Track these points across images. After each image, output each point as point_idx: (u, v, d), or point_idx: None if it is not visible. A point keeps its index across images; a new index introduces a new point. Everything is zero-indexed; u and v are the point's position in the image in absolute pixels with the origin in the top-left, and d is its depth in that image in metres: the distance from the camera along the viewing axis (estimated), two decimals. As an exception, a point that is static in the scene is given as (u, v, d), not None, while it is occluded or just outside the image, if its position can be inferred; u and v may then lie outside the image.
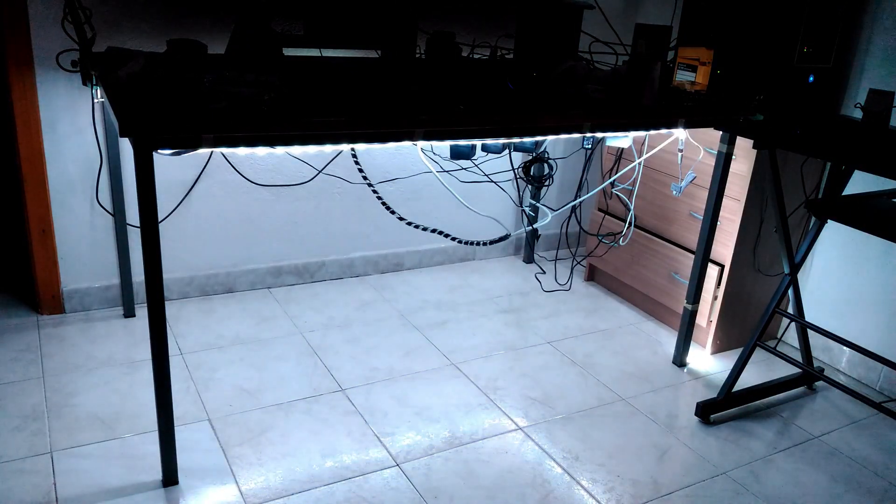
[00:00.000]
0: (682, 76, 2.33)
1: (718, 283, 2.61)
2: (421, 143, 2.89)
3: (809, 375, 2.50)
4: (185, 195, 2.65)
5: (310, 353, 2.49)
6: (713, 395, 2.38)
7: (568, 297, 3.08)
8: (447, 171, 3.08)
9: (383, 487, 1.90)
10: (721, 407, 2.32)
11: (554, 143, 3.23)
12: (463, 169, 3.10)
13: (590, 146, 2.96)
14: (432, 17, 2.82)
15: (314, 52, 2.42)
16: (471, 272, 3.25)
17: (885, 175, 1.86)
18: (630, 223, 2.95)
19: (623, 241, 2.99)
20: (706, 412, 2.30)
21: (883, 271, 2.50)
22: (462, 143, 2.72)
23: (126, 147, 2.44)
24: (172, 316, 2.65)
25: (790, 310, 2.44)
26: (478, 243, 3.32)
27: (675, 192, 2.71)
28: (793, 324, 2.62)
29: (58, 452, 1.93)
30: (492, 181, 3.20)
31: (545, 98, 2.16)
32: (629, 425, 2.24)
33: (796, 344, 2.59)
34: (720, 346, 2.72)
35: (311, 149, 2.75)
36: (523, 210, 3.35)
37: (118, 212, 2.50)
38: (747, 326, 2.73)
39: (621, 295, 3.11)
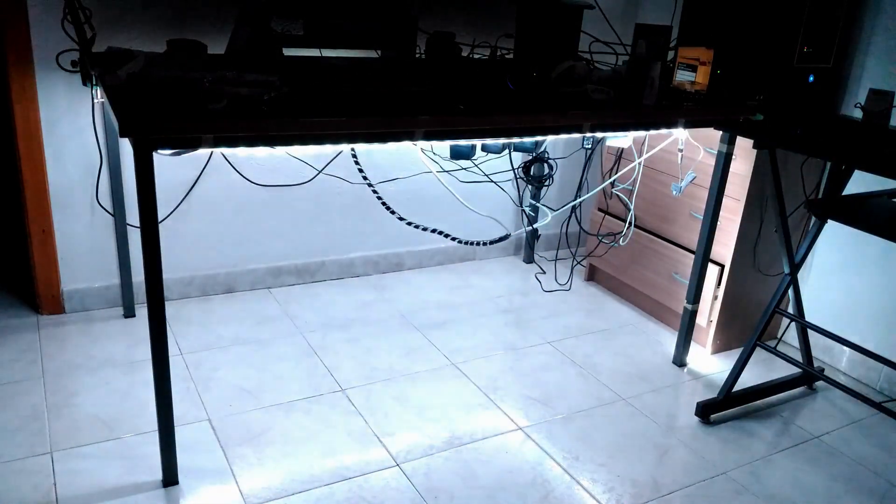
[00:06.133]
0: (682, 76, 2.33)
1: (718, 283, 2.61)
2: (421, 143, 2.89)
3: (809, 375, 2.50)
4: (185, 195, 2.65)
5: (310, 353, 2.49)
6: (713, 394, 2.38)
7: (568, 297, 3.08)
8: (447, 171, 3.08)
9: (383, 487, 1.90)
10: (721, 407, 2.32)
11: (554, 143, 3.23)
12: (463, 169, 3.10)
13: (590, 146, 2.96)
14: (432, 17, 2.82)
15: (314, 52, 2.42)
16: (471, 272, 3.24)
17: (885, 175, 1.86)
18: (630, 223, 2.95)
19: (623, 241, 2.99)
20: (706, 412, 2.30)
21: (883, 271, 2.50)
22: (462, 143, 2.72)
23: (126, 147, 2.44)
24: (172, 316, 2.65)
25: (790, 310, 2.44)
26: (478, 243, 3.32)
27: (675, 192, 2.71)
28: (793, 324, 2.62)
29: (58, 452, 1.93)
30: (492, 181, 3.20)
31: (545, 98, 2.16)
32: (629, 425, 2.24)
33: (796, 344, 2.59)
34: (720, 346, 2.72)
35: (311, 149, 2.75)
36: (523, 210, 3.35)
37: (118, 212, 2.50)
38: (747, 326, 2.73)
39: (621, 295, 3.11)
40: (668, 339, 2.77)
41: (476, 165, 3.12)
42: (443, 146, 2.97)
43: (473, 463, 2.02)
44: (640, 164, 2.86)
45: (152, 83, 1.75)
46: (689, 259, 2.67)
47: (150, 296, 1.67)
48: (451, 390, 2.35)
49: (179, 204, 2.65)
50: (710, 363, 2.65)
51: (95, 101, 2.40)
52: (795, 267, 2.33)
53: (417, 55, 2.46)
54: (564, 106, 2.07)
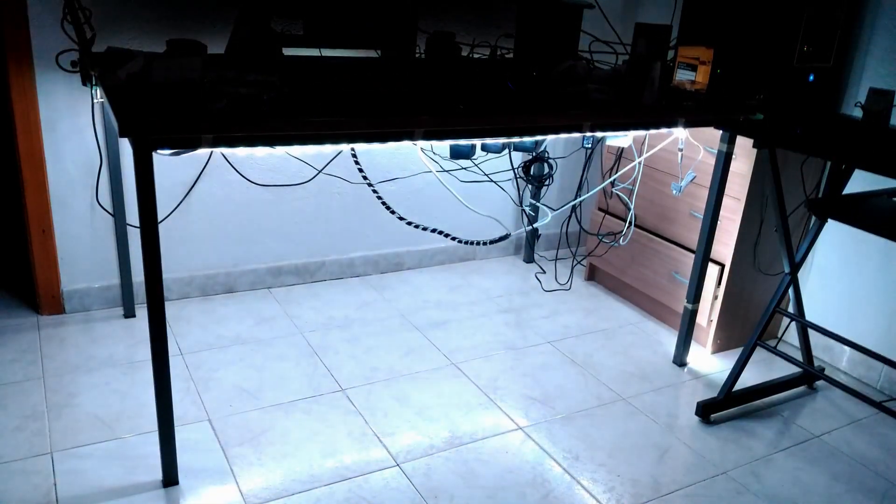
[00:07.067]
0: (682, 75, 2.33)
1: (719, 283, 2.61)
2: (421, 143, 2.89)
3: (810, 375, 2.50)
4: (185, 195, 2.65)
5: (310, 353, 2.49)
6: (714, 394, 2.38)
7: (568, 297, 3.07)
8: (447, 171, 3.08)
9: (383, 487, 1.90)
10: (721, 406, 2.32)
11: (554, 142, 3.23)
12: (463, 169, 3.10)
13: (590, 146, 2.96)
14: (432, 17, 2.82)
15: (314, 52, 2.42)
16: (471, 272, 3.24)
17: (885, 174, 1.86)
18: (630, 223, 2.95)
19: (623, 241, 2.99)
20: (706, 412, 2.30)
21: (883, 271, 2.50)
22: (462, 142, 2.72)
23: (126, 147, 2.44)
24: (172, 316, 2.65)
25: (790, 309, 2.44)
26: (478, 243, 3.32)
27: (675, 192, 2.71)
28: (793, 323, 2.62)
29: (58, 453, 1.93)
30: (492, 181, 3.20)
31: (545, 98, 2.16)
32: (629, 425, 2.24)
33: (797, 343, 2.59)
34: (720, 346, 2.72)
35: (311, 149, 2.75)
36: (523, 210, 3.35)
37: (118, 212, 2.50)
38: (748, 326, 2.73)
39: (621, 294, 3.11)
40: (669, 339, 2.77)
41: (476, 165, 3.12)
42: (443, 146, 2.97)
43: (473, 463, 2.02)
44: (640, 163, 2.86)
45: (152, 83, 1.75)
46: (690, 258, 2.67)
47: (150, 296, 1.67)
48: (451, 390, 2.35)
49: (179, 204, 2.65)
50: (710, 363, 2.65)
51: (95, 101, 2.40)
52: (796, 266, 2.33)
53: (417, 55, 2.46)
54: (564, 106, 2.07)
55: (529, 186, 3.29)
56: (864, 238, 2.54)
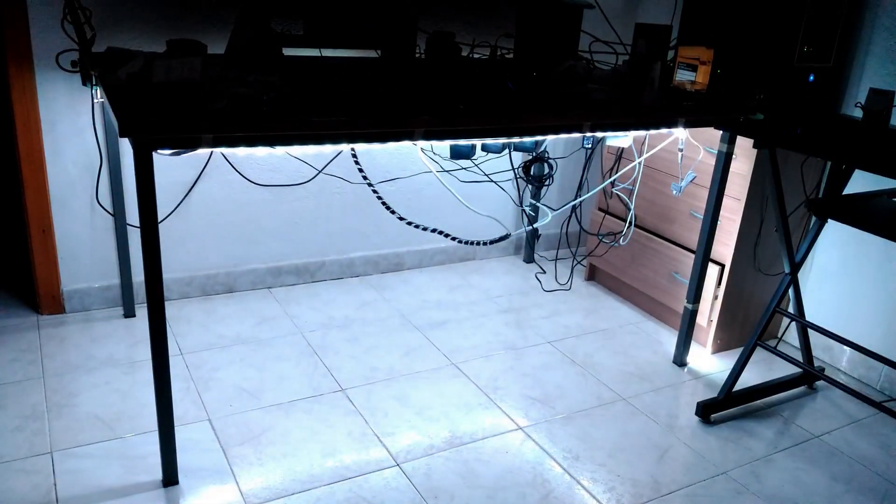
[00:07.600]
0: (682, 76, 2.33)
1: (719, 283, 2.61)
2: (421, 143, 2.89)
3: (810, 375, 2.50)
4: (185, 195, 2.65)
5: (310, 353, 2.49)
6: (714, 394, 2.38)
7: (568, 297, 3.07)
8: (447, 171, 3.08)
9: (383, 487, 1.90)
10: (721, 406, 2.32)
11: (554, 142, 3.23)
12: (463, 169, 3.10)
13: (590, 146, 2.96)
14: (432, 17, 2.82)
15: (314, 52, 2.42)
16: (471, 272, 3.24)
17: (885, 174, 1.86)
18: (630, 223, 2.95)
19: (623, 241, 2.99)
20: (707, 412, 2.30)
21: (883, 271, 2.50)
22: (462, 142, 2.72)
23: (126, 147, 2.44)
24: (172, 316, 2.65)
25: (790, 309, 2.44)
26: (478, 243, 3.32)
27: (675, 192, 2.71)
28: (793, 323, 2.62)
29: (58, 452, 1.93)
30: (492, 181, 3.20)
31: (545, 98, 2.16)
32: (629, 425, 2.24)
33: (797, 343, 2.59)
34: (720, 346, 2.72)
35: (311, 149, 2.75)
36: (523, 210, 3.35)
37: (118, 212, 2.50)
38: (748, 326, 2.73)
39: (622, 294, 3.11)
40: (669, 339, 2.77)
41: (476, 165, 3.12)
42: (443, 146, 2.97)
43: (473, 463, 2.02)
44: (640, 163, 2.86)
45: (152, 83, 1.75)
46: (690, 259, 2.67)
47: (150, 296, 1.67)
48: (451, 390, 2.35)
49: (179, 204, 2.65)
50: (710, 363, 2.65)
51: (95, 101, 2.40)
52: (796, 266, 2.33)
53: (417, 55, 2.46)
54: (565, 106, 2.07)
55: (529, 186, 3.29)
56: (864, 238, 2.54)
